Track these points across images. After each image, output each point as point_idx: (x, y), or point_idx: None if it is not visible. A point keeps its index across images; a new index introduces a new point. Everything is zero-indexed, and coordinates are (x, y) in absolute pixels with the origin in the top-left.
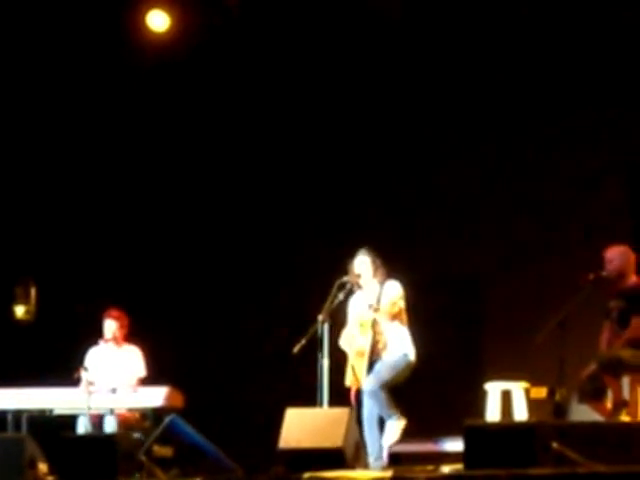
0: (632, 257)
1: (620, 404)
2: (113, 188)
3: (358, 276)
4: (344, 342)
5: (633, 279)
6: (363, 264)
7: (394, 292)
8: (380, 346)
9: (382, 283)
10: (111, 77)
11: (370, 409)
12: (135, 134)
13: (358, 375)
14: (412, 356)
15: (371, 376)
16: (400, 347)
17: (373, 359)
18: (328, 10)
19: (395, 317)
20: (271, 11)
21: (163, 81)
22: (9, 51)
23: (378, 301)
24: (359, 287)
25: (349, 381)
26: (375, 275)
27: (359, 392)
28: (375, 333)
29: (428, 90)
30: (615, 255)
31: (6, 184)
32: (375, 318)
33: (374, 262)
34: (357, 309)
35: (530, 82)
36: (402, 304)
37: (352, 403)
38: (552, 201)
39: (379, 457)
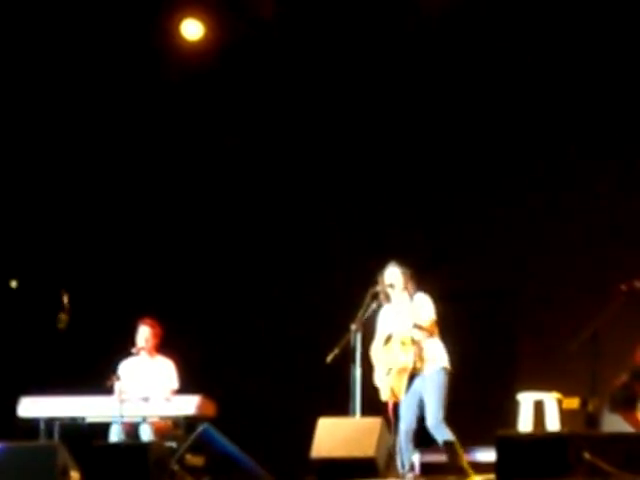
0: None
1: None
2: (145, 199)
3: (391, 285)
4: (374, 355)
5: None
6: (394, 275)
7: (429, 307)
8: (421, 361)
9: (412, 295)
10: (144, 85)
11: (409, 424)
12: (167, 144)
13: (397, 390)
14: (448, 364)
15: (429, 412)
16: (438, 360)
17: (413, 373)
18: (366, 22)
19: (433, 333)
20: (305, 21)
21: (196, 90)
22: (44, 55)
23: (416, 317)
24: (388, 300)
25: (386, 396)
26: (406, 287)
27: (396, 405)
28: (418, 350)
29: (457, 106)
30: None
31: (38, 194)
32: (416, 333)
33: (405, 274)
34: (388, 323)
35: (551, 99)
36: (435, 317)
37: (390, 417)
38: (586, 213)
39: (410, 470)
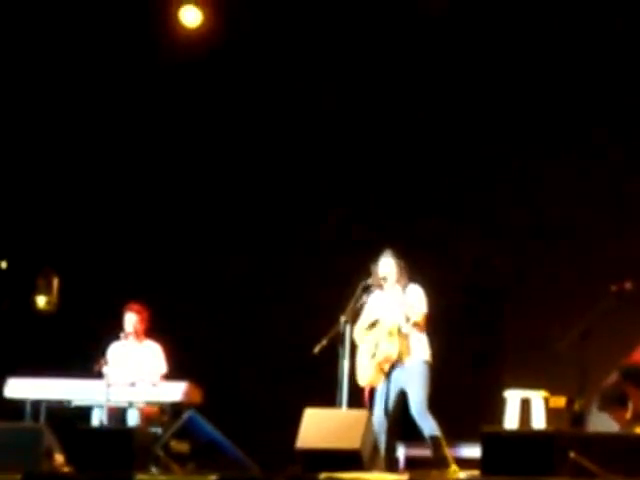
0: None
1: (639, 415)
2: (136, 181)
3: (383, 279)
4: (357, 336)
5: None
6: (388, 267)
7: (422, 301)
8: (406, 353)
9: (405, 286)
10: (142, 72)
11: (380, 414)
12: (164, 129)
13: (376, 378)
14: (429, 358)
15: (413, 403)
16: (421, 353)
17: (394, 363)
18: (369, 11)
19: (424, 327)
20: (305, 6)
21: (194, 77)
22: (42, 43)
23: (408, 309)
24: (380, 287)
25: (363, 381)
26: (399, 279)
27: (372, 392)
28: (402, 340)
29: (456, 97)
30: None
31: (30, 176)
32: (402, 326)
33: (399, 265)
34: (376, 308)
35: (549, 94)
36: (427, 311)
37: (365, 403)
38: (576, 213)
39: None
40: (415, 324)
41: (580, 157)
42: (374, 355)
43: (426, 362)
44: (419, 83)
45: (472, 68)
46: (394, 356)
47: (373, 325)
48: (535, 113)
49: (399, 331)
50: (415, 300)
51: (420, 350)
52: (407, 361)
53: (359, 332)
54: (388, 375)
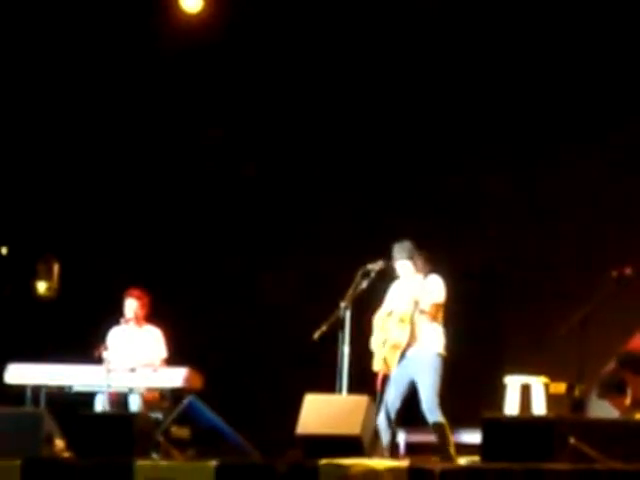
0: None
1: (638, 401)
2: (135, 169)
3: (398, 275)
4: (375, 322)
5: None
6: (406, 267)
7: (439, 292)
8: (414, 339)
9: (426, 275)
10: (143, 60)
11: (392, 401)
12: (164, 118)
13: (389, 363)
14: (443, 351)
15: (423, 398)
16: (435, 345)
17: (404, 349)
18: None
19: (435, 318)
20: None
21: (195, 63)
22: (42, 32)
23: (423, 297)
24: (398, 276)
25: (377, 366)
26: (417, 271)
27: (385, 378)
28: (413, 329)
29: (457, 96)
30: None
31: (30, 163)
32: (416, 314)
33: (414, 262)
34: (393, 298)
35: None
36: (443, 302)
37: (378, 388)
38: (576, 198)
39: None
40: (422, 312)
41: (580, 142)
42: (385, 342)
43: (439, 355)
44: (420, 81)
45: (475, 58)
46: (403, 343)
47: (390, 314)
48: (533, 103)
49: (410, 319)
50: (431, 289)
51: (433, 341)
52: (420, 352)
53: (378, 320)
54: (399, 362)
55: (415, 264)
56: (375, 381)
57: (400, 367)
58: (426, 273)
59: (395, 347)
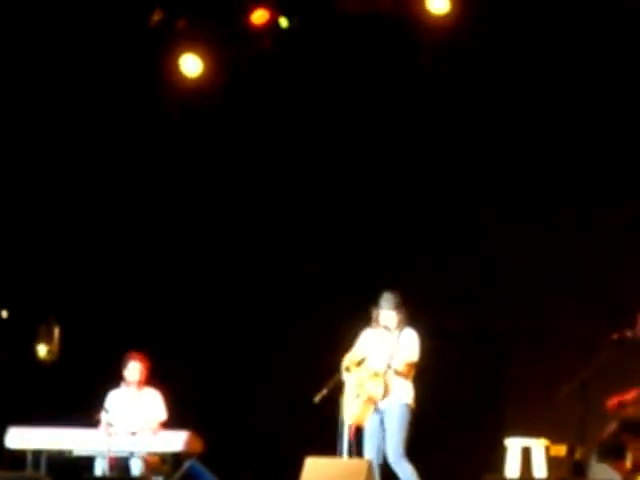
0: None
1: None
2: (135, 233)
3: (385, 327)
4: (344, 365)
5: None
6: (390, 318)
7: (413, 350)
8: (387, 393)
9: (401, 330)
10: (144, 121)
11: (375, 454)
12: (166, 177)
13: (362, 417)
14: (412, 402)
15: (389, 447)
16: (403, 397)
17: (378, 405)
18: (374, 56)
19: (407, 376)
20: (304, 54)
21: (196, 126)
22: (44, 86)
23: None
24: (376, 325)
25: (349, 419)
26: (399, 322)
27: (358, 430)
28: (386, 383)
29: (469, 145)
30: None
31: (31, 224)
32: (389, 372)
33: (399, 314)
34: (366, 346)
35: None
36: (416, 361)
37: (351, 437)
38: (578, 260)
39: None
40: (397, 373)
41: (580, 207)
42: (358, 395)
43: (407, 405)
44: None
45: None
46: (379, 397)
47: (361, 362)
48: (537, 162)
49: (385, 375)
50: (406, 346)
51: (401, 392)
52: (388, 404)
53: (347, 363)
54: (374, 416)
55: (398, 316)
56: (348, 433)
57: (372, 420)
58: (402, 327)
59: (370, 400)
